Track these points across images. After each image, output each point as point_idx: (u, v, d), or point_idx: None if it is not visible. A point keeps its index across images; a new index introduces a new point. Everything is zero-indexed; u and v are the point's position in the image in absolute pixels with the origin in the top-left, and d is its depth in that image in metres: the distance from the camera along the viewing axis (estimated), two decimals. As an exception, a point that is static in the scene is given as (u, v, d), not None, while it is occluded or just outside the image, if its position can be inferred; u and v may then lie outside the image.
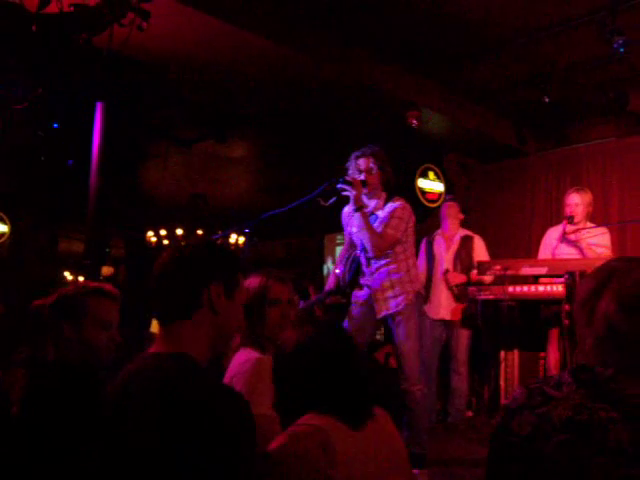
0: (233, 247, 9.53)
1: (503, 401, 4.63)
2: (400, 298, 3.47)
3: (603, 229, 4.68)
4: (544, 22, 4.81)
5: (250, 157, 8.27)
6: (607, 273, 1.26)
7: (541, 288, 4.28)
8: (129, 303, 1.99)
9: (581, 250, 4.50)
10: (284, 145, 7.46)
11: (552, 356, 4.47)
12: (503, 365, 4.80)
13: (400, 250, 3.53)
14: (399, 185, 3.71)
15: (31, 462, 1.65)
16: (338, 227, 3.84)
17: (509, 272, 4.27)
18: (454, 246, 4.86)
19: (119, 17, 3.34)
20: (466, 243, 4.86)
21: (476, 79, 5.83)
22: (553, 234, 4.73)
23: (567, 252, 4.55)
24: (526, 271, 4.32)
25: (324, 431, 1.46)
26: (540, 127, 7.00)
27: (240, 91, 5.66)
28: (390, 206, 3.53)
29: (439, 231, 5.01)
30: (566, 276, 3.94)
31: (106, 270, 11.43)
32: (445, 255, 4.86)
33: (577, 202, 4.58)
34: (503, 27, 4.92)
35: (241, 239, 9.78)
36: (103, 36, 3.44)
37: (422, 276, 4.63)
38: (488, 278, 4.65)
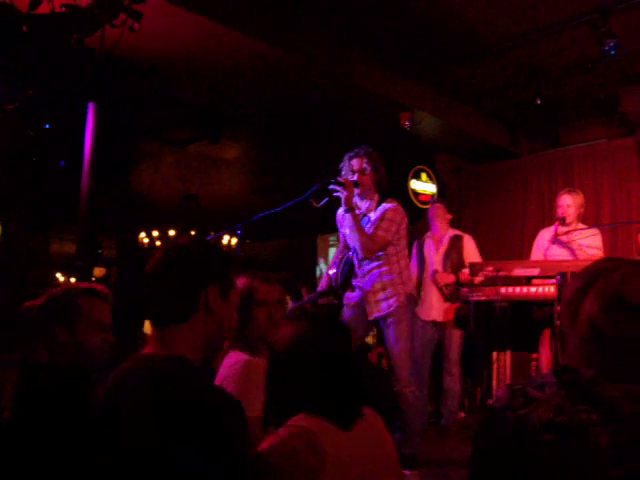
0: (225, 248, 9.51)
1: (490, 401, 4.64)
2: (392, 300, 3.47)
3: (594, 230, 4.70)
4: (536, 24, 4.83)
5: (243, 158, 8.26)
6: (593, 273, 1.26)
7: (533, 289, 4.29)
8: (121, 304, 1.97)
9: (573, 251, 4.52)
10: (277, 146, 7.46)
11: (544, 357, 4.48)
12: (495, 366, 4.81)
13: (392, 252, 3.52)
14: (391, 186, 3.71)
15: (23, 466, 1.63)
16: (330, 228, 3.84)
17: (501, 273, 4.28)
18: (443, 246, 4.87)
19: (111, 18, 3.33)
20: (456, 243, 4.87)
21: (469, 81, 5.85)
22: (545, 235, 4.75)
23: (559, 253, 4.57)
24: (518, 272, 4.33)
25: (313, 433, 1.45)
26: (532, 129, 7.03)
27: (233, 92, 5.66)
28: (382, 208, 3.52)
29: (429, 233, 5.01)
30: (558, 277, 3.95)
31: (98, 271, 11.39)
32: (435, 256, 4.87)
33: (569, 203, 4.59)
34: (496, 29, 4.94)
35: (233, 240, 9.77)
36: (95, 37, 3.43)
37: (413, 278, 4.64)
38: (478, 278, 4.65)
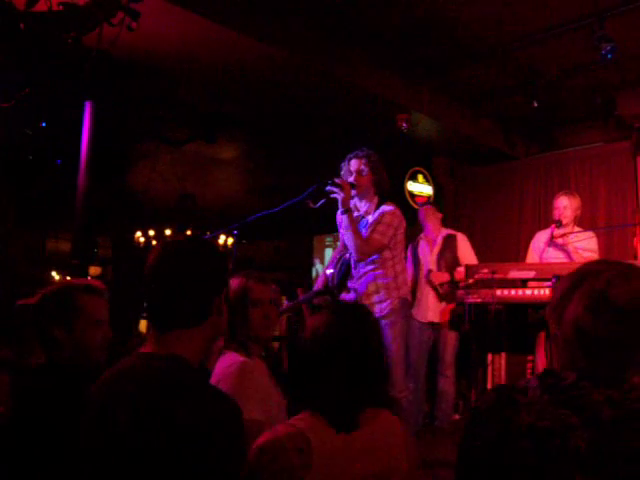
0: (222, 248, 9.51)
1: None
2: (385, 303, 3.46)
3: (590, 233, 4.71)
4: (533, 28, 4.84)
5: (239, 158, 8.25)
6: (579, 276, 1.27)
7: (529, 292, 4.30)
8: (117, 303, 1.96)
9: (569, 254, 4.53)
10: (273, 147, 7.45)
11: (539, 359, 4.48)
12: (490, 368, 4.82)
13: (388, 256, 3.51)
14: (388, 188, 3.71)
15: (23, 466, 1.62)
16: (327, 229, 3.85)
17: (497, 275, 4.29)
18: (437, 247, 4.87)
19: (108, 16, 3.32)
20: (449, 242, 4.87)
21: (466, 83, 5.86)
22: (541, 238, 4.75)
23: (555, 256, 4.58)
24: (514, 274, 4.34)
25: (305, 433, 1.45)
26: (529, 131, 7.05)
27: (230, 92, 5.65)
28: (380, 210, 3.51)
29: (422, 235, 5.01)
30: (553, 280, 3.95)
31: (94, 270, 11.37)
32: (429, 257, 4.87)
33: (565, 205, 4.60)
34: (493, 32, 4.94)
35: (229, 240, 9.76)
36: (92, 35, 3.42)
37: (409, 281, 4.64)
38: (473, 279, 4.65)
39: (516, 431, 1.14)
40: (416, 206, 6.97)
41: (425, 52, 5.30)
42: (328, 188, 3.35)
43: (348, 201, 3.41)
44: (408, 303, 3.74)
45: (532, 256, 4.77)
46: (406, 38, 5.07)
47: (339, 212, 3.61)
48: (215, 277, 1.46)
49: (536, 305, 4.32)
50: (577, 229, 4.67)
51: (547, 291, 4.13)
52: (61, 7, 3.20)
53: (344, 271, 3.64)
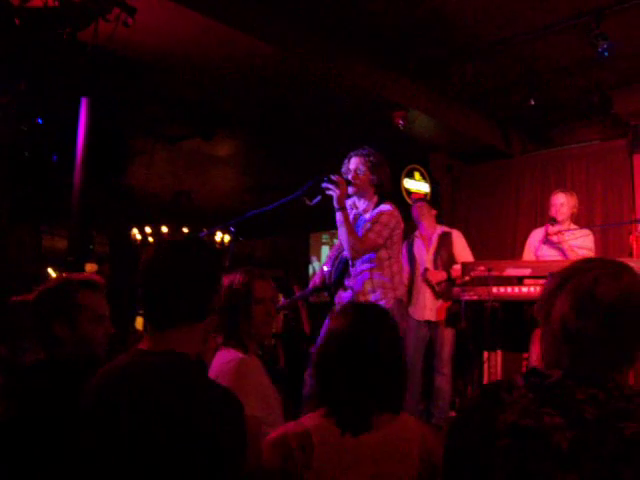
0: (218, 245, 9.50)
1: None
2: (381, 303, 3.45)
3: (586, 231, 4.72)
4: (530, 26, 4.84)
5: (236, 155, 8.24)
6: (568, 273, 1.27)
7: (525, 289, 4.31)
8: (113, 300, 1.94)
9: (563, 252, 4.53)
10: (270, 144, 7.44)
11: (535, 357, 4.49)
12: (486, 365, 4.82)
13: (385, 256, 3.50)
14: (389, 188, 3.70)
15: (19, 468, 1.60)
16: (323, 226, 3.84)
17: (493, 273, 4.29)
18: (433, 245, 4.87)
19: (104, 12, 3.31)
20: (445, 240, 4.87)
21: (462, 81, 5.85)
22: (537, 236, 4.76)
23: (550, 254, 4.58)
24: (510, 272, 4.34)
25: (310, 433, 1.46)
26: (525, 129, 7.05)
27: (226, 89, 5.64)
28: (378, 210, 3.50)
29: (417, 232, 5.01)
30: (549, 277, 3.96)
31: (90, 267, 11.33)
32: (425, 255, 4.87)
33: (562, 202, 4.60)
34: (490, 30, 4.95)
35: (226, 237, 9.75)
36: (88, 31, 3.41)
37: (405, 281, 4.63)
38: (469, 277, 4.66)
39: (499, 430, 1.14)
40: (413, 204, 6.98)
41: (422, 50, 5.30)
42: (324, 185, 3.35)
43: (343, 198, 3.40)
44: (403, 304, 3.74)
45: (528, 254, 4.77)
46: (403, 36, 5.07)
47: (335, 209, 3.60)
48: (213, 275, 1.47)
49: (532, 302, 4.31)
50: (573, 227, 4.67)
51: (543, 289, 4.13)
52: (56, 3, 3.19)
53: (341, 269, 3.63)
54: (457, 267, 4.67)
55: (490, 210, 7.30)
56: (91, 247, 11.43)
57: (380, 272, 3.49)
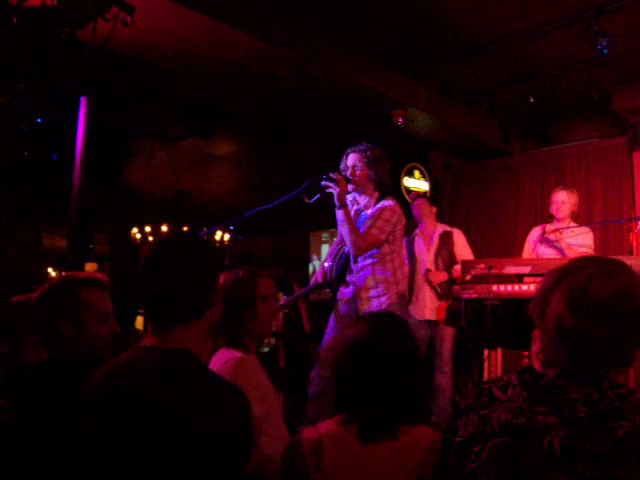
0: (218, 244, 9.50)
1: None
2: (383, 298, 3.45)
3: (586, 229, 4.71)
4: (530, 23, 4.84)
5: (235, 154, 8.23)
6: (564, 271, 1.26)
7: (525, 287, 4.30)
8: (113, 299, 1.93)
9: (561, 250, 4.52)
10: (269, 142, 7.44)
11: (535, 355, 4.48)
12: (486, 364, 4.81)
13: (387, 251, 3.50)
14: (389, 183, 3.70)
15: (19, 467, 1.59)
16: (323, 224, 3.84)
17: (493, 271, 4.28)
18: (434, 245, 4.86)
19: (103, 11, 3.31)
20: (446, 240, 4.86)
21: (462, 79, 5.85)
22: (536, 233, 4.75)
23: (548, 253, 4.58)
24: (510, 270, 4.33)
25: (322, 439, 1.48)
26: (525, 127, 7.04)
27: (226, 88, 5.64)
28: (379, 206, 3.50)
29: (417, 230, 5.00)
30: (545, 275, 3.94)
31: (90, 267, 11.32)
32: (426, 255, 4.86)
33: (564, 200, 4.60)
34: (489, 28, 4.94)
35: (226, 236, 9.75)
36: (87, 30, 3.40)
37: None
38: (469, 275, 4.65)
39: (492, 428, 1.14)
40: (410, 200, 6.98)
41: (421, 48, 5.29)
42: (323, 183, 3.34)
43: (344, 196, 3.40)
44: (406, 299, 3.74)
45: (528, 251, 4.77)
46: (403, 34, 5.06)
47: (336, 207, 3.60)
48: (211, 272, 1.47)
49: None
50: (573, 224, 4.67)
51: (543, 286, 4.13)
52: (55, 2, 3.18)
53: (342, 265, 3.63)
54: (458, 267, 4.67)
55: (490, 208, 7.29)
56: (91, 246, 11.44)
57: (382, 267, 3.49)
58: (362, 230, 3.45)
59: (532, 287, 4.26)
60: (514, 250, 6.38)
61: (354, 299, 3.55)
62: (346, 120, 6.15)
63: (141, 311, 10.07)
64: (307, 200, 3.32)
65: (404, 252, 4.86)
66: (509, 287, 4.36)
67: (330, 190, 3.36)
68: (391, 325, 1.66)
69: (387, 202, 3.50)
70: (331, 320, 3.62)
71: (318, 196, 3.37)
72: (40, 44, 3.47)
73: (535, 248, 4.64)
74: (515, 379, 1.21)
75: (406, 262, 4.83)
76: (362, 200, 3.59)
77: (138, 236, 9.97)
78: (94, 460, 1.33)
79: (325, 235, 10.34)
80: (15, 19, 3.10)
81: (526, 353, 4.70)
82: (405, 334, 1.66)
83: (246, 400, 1.36)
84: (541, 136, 7.11)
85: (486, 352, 4.83)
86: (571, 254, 4.39)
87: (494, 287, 4.32)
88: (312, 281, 3.91)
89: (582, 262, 1.28)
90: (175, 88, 5.73)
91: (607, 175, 6.49)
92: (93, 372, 1.44)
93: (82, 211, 4.63)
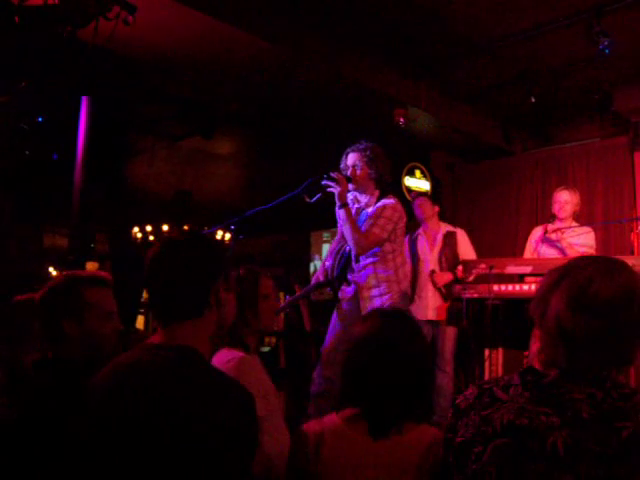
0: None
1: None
2: (385, 297, 3.45)
3: (587, 228, 4.71)
4: (531, 23, 4.83)
5: (236, 153, 8.23)
6: (563, 272, 1.25)
7: (526, 287, 4.29)
8: (114, 299, 1.93)
9: (562, 250, 4.52)
10: (271, 142, 7.43)
11: (532, 355, 4.48)
12: (487, 363, 4.81)
13: (389, 249, 3.50)
14: (390, 181, 3.70)
15: (19, 467, 1.58)
16: (324, 224, 3.84)
17: (494, 271, 4.28)
18: (438, 245, 4.85)
19: (104, 10, 3.31)
20: (449, 240, 4.85)
21: (463, 79, 5.85)
22: (538, 233, 4.75)
23: (549, 252, 4.58)
24: (511, 270, 4.33)
25: (324, 433, 1.49)
26: (526, 127, 7.04)
27: (227, 87, 5.63)
28: (380, 204, 3.49)
29: (420, 230, 4.99)
30: (545, 275, 3.94)
31: (91, 266, 11.33)
32: (429, 255, 4.85)
33: (566, 199, 4.60)
34: (491, 28, 4.94)
35: (227, 236, 9.75)
36: (88, 29, 3.40)
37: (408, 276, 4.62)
38: (471, 275, 4.64)
39: (494, 429, 1.13)
40: (410, 198, 6.98)
41: (423, 48, 5.29)
42: (324, 182, 3.34)
43: (345, 195, 3.40)
44: (407, 297, 3.73)
45: (529, 251, 4.77)
46: (404, 34, 5.05)
47: (337, 206, 3.60)
48: (211, 268, 1.47)
49: (533, 300, 4.31)
50: (574, 224, 4.67)
51: (544, 286, 4.12)
52: (56, 1, 3.18)
53: (343, 263, 3.63)
54: (461, 267, 4.67)
55: (491, 208, 7.29)
56: (92, 246, 11.44)
57: (384, 266, 3.48)
58: (364, 229, 3.45)
59: (533, 287, 4.25)
60: (515, 250, 6.38)
61: (356, 298, 3.55)
62: (347, 120, 6.15)
63: (142, 310, 10.08)
64: (308, 199, 3.32)
65: (406, 251, 4.87)
66: (510, 287, 4.35)
67: (331, 189, 3.36)
68: (403, 322, 1.66)
69: (388, 200, 3.50)
70: (333, 319, 3.62)
71: (319, 195, 3.37)
72: (41, 43, 3.47)
73: (537, 248, 4.64)
74: (517, 379, 1.21)
75: (408, 261, 4.83)
76: (363, 199, 3.58)
77: (139, 235, 9.98)
78: (99, 459, 1.33)
79: (326, 234, 10.34)
80: (17, 18, 3.10)
81: (527, 353, 4.69)
82: (417, 331, 1.67)
83: (251, 397, 1.36)
84: (542, 136, 7.10)
85: (487, 352, 4.83)
86: (572, 254, 4.39)
87: (495, 287, 4.32)
88: (313, 280, 3.91)
89: (582, 262, 1.28)
90: (176, 87, 5.72)
91: (608, 175, 6.49)
92: (97, 371, 1.44)
93: (83, 210, 4.63)
